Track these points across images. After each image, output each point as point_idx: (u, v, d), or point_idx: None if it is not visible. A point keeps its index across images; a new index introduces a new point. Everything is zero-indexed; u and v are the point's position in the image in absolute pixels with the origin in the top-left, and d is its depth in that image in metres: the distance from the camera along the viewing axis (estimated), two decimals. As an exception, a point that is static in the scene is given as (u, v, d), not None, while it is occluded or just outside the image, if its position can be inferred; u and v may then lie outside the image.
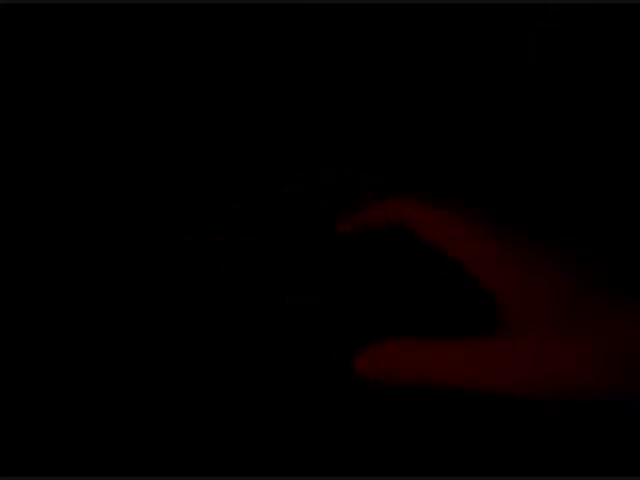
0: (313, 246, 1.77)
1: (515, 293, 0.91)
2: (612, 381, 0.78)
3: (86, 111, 2.01)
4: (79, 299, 1.80)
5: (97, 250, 1.84)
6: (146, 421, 1.73)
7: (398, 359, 0.95)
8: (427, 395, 1.76)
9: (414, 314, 1.80)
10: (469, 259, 0.99)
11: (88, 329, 1.77)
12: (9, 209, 1.88)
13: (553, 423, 1.67)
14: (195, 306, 1.76)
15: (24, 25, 1.98)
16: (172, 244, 1.84)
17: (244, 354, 1.72)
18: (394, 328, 1.83)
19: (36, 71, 2.00)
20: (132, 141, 1.97)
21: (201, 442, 1.68)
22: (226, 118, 1.97)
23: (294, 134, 1.94)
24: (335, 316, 1.72)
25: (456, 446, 1.62)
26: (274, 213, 1.84)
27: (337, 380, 1.69)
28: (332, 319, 1.71)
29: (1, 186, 1.90)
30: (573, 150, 1.92)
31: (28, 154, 1.95)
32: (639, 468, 1.58)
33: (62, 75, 2.02)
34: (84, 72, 2.02)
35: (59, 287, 1.82)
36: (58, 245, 1.86)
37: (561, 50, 1.94)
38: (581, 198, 1.88)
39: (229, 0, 1.98)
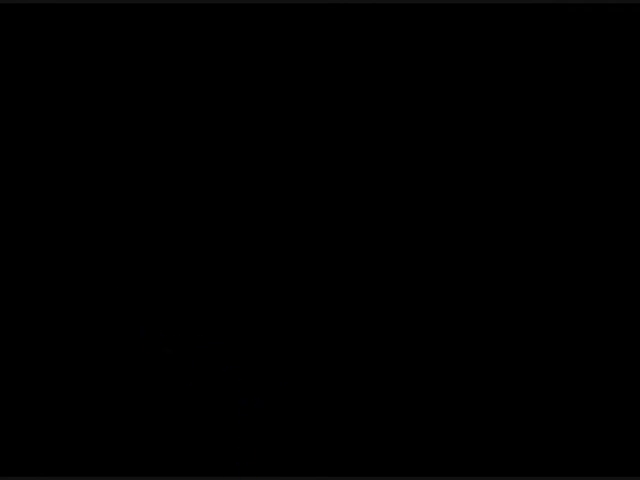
0: None
1: None
2: None
3: (84, 122, 2.00)
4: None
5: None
6: (146, 418, 1.73)
7: None
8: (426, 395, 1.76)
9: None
10: None
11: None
12: (9, 209, 1.88)
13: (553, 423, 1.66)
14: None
15: (24, 25, 1.98)
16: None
17: (244, 353, 1.72)
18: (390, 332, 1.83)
19: (36, 71, 1.99)
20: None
21: (200, 441, 1.68)
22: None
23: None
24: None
25: (456, 446, 1.62)
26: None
27: (336, 384, 1.68)
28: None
29: (1, 186, 1.90)
30: (572, 150, 1.92)
31: (28, 154, 1.94)
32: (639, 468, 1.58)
33: (62, 75, 2.01)
34: (84, 72, 2.01)
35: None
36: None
37: (561, 50, 1.94)
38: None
39: (229, 1, 1.98)
